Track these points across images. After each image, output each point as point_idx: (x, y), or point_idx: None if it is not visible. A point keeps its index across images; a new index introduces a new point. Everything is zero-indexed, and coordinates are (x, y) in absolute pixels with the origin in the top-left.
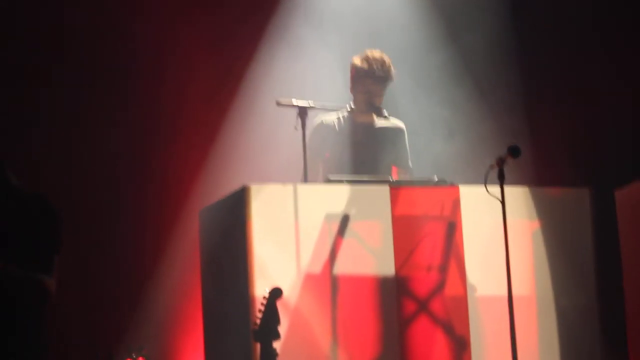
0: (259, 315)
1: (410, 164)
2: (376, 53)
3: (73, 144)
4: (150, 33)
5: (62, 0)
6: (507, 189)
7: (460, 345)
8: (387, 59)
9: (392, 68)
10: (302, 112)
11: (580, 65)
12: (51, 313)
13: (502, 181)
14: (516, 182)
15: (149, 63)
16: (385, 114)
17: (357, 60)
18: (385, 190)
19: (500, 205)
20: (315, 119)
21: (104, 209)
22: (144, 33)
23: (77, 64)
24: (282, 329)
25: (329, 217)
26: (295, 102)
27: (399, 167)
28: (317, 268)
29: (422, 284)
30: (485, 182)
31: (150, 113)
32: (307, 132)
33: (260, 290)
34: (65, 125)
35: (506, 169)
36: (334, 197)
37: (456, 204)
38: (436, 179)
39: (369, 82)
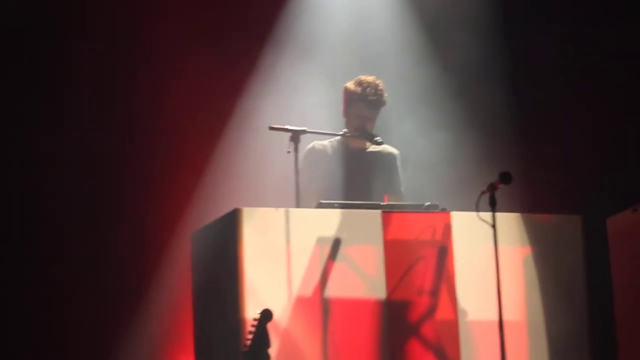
0: (249, 337)
1: (402, 190)
2: (369, 78)
3: (64, 161)
4: (147, 57)
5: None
6: (499, 215)
7: None
8: (380, 83)
9: (385, 93)
10: (295, 136)
11: (573, 90)
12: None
13: (493, 207)
14: (508, 208)
15: (144, 85)
16: (378, 139)
17: (351, 85)
18: (377, 214)
19: (491, 231)
20: (307, 146)
21: (95, 229)
22: (141, 56)
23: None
24: (273, 351)
25: (320, 241)
26: (288, 126)
27: (391, 193)
28: (308, 291)
29: (414, 308)
30: (477, 208)
31: (143, 134)
32: (300, 157)
33: (251, 312)
34: (55, 142)
35: (498, 195)
36: (326, 221)
37: (447, 229)
38: (427, 204)
39: (361, 107)
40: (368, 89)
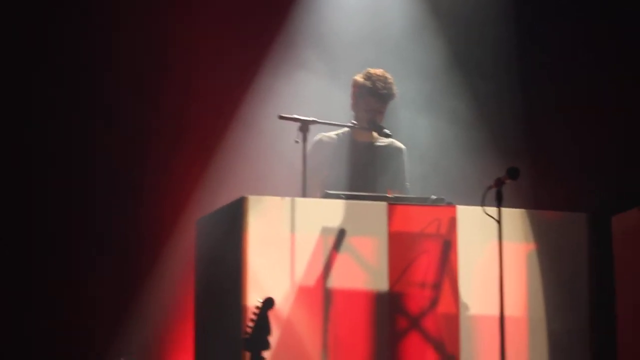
0: (250, 324)
1: (407, 184)
2: (378, 71)
3: (72, 146)
4: (155, 39)
5: None
6: (504, 210)
7: None
8: (389, 76)
9: (394, 86)
10: (304, 126)
11: (584, 85)
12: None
13: (499, 202)
14: (514, 204)
15: (150, 73)
16: (387, 132)
17: (360, 78)
18: (382, 206)
19: (496, 226)
20: (316, 135)
21: (101, 213)
22: (149, 38)
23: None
24: (273, 339)
25: (325, 231)
26: (297, 116)
27: (395, 187)
28: (311, 281)
29: (415, 301)
30: (483, 203)
31: (151, 120)
32: (308, 147)
33: (253, 300)
34: (62, 126)
35: (504, 191)
36: (331, 211)
37: (452, 223)
38: (434, 198)
39: (371, 100)
40: (378, 82)
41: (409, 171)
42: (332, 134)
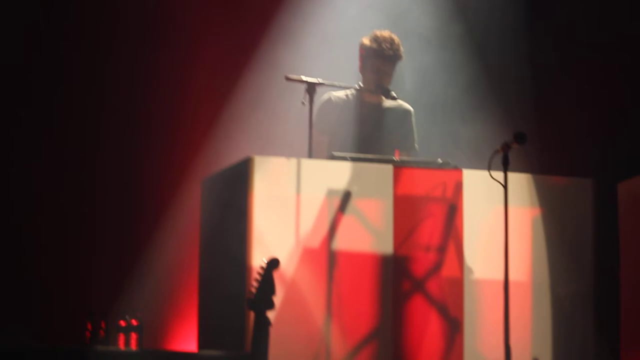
0: (255, 284)
1: (416, 146)
2: (385, 33)
3: (74, 109)
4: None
5: None
6: (510, 175)
7: (453, 327)
8: (396, 38)
9: (401, 47)
10: (311, 88)
11: (591, 51)
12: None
13: (506, 167)
14: (520, 169)
15: (156, 29)
16: (394, 94)
17: (366, 40)
18: (388, 169)
19: (502, 190)
20: (323, 95)
21: (106, 173)
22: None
23: (80, 27)
24: (277, 299)
25: (330, 193)
26: (304, 77)
27: (404, 149)
28: (316, 242)
29: (420, 263)
30: (489, 167)
31: (156, 80)
32: (315, 108)
33: (258, 260)
34: (67, 91)
35: (511, 156)
36: (337, 173)
37: (458, 187)
38: (440, 161)
39: (378, 62)
40: (384, 44)
41: (417, 133)
42: (341, 93)
